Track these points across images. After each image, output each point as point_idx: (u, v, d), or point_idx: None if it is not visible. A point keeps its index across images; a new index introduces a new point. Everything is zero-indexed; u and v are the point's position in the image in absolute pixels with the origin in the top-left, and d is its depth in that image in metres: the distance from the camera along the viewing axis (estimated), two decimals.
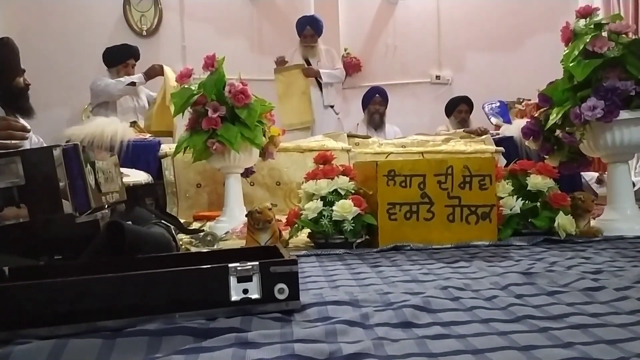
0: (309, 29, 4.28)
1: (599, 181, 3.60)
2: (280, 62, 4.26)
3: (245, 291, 0.93)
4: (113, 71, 3.74)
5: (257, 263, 0.94)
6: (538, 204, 1.90)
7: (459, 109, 4.57)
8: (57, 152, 1.23)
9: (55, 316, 0.87)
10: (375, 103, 4.55)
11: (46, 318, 0.87)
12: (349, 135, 3.54)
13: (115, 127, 3.15)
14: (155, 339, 0.81)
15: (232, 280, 0.93)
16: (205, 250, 1.59)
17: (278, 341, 0.79)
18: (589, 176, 3.67)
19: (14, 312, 0.86)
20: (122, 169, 2.00)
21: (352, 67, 5.37)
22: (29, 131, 1.61)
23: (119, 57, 3.74)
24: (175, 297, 0.91)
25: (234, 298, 0.93)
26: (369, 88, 4.70)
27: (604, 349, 0.74)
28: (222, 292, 0.93)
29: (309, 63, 4.35)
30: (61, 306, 0.87)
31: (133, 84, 3.64)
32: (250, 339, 0.79)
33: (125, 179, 2.06)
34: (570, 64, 1.88)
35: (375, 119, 4.53)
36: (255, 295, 0.93)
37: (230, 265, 0.93)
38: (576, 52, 1.88)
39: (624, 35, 1.87)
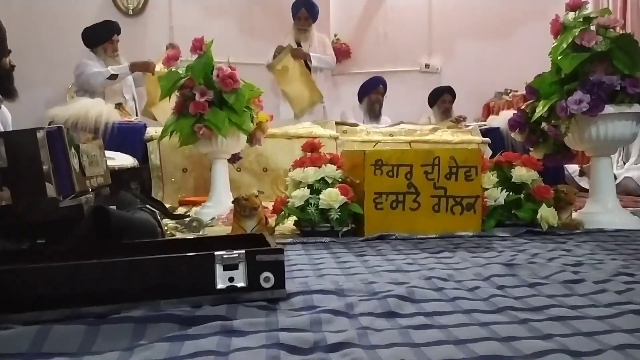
0: (304, 11, 4.16)
1: (581, 173, 3.66)
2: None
3: (231, 279, 0.94)
4: (99, 51, 3.60)
5: (243, 251, 0.94)
6: (522, 195, 1.93)
7: (442, 99, 4.57)
8: (40, 135, 1.21)
9: (39, 301, 0.86)
10: (378, 93, 4.52)
11: (30, 303, 0.86)
12: (337, 123, 3.53)
13: (100, 109, 3.10)
14: (139, 326, 0.81)
15: (218, 268, 0.93)
16: (190, 237, 1.58)
17: (263, 330, 0.80)
18: (572, 168, 3.72)
19: None
20: (107, 152, 1.98)
21: (341, 53, 5.33)
22: None
23: (103, 35, 3.60)
24: (161, 284, 0.91)
25: (219, 286, 0.93)
26: (372, 77, 4.65)
27: (582, 341, 0.76)
28: (208, 280, 0.93)
29: (299, 46, 4.24)
30: (45, 291, 0.87)
31: (114, 77, 3.48)
32: (236, 327, 0.80)
33: (110, 163, 2.03)
34: (559, 57, 1.89)
35: (375, 109, 4.50)
36: (241, 284, 0.94)
37: (216, 253, 0.93)
38: (564, 45, 1.89)
39: (612, 30, 1.88)
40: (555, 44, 1.95)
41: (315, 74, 4.28)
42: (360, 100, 4.58)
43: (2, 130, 2.02)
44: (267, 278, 0.95)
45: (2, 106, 2.11)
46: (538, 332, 0.80)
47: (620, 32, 1.90)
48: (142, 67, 3.54)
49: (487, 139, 3.51)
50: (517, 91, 4.58)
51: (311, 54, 4.23)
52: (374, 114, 4.49)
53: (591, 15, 1.91)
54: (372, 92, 4.53)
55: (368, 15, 5.47)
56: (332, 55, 4.45)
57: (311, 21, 4.23)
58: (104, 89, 3.56)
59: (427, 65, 5.41)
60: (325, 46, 4.41)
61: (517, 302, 0.97)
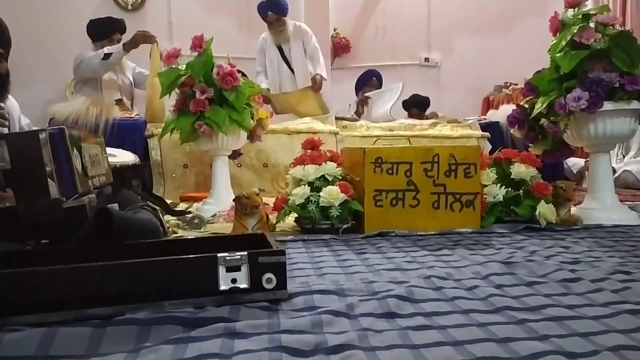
0: (272, 14, 3.92)
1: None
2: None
3: (234, 280, 0.95)
4: (98, 45, 3.56)
5: (245, 253, 0.96)
6: (521, 192, 1.94)
7: (411, 112, 4.61)
8: (43, 137, 1.23)
9: (44, 304, 0.88)
10: (371, 86, 4.53)
11: (35, 305, 0.88)
12: (337, 118, 3.54)
13: (100, 106, 3.11)
14: (144, 328, 0.83)
15: (221, 270, 0.95)
16: (192, 237, 1.59)
17: (265, 332, 0.81)
18: (572, 162, 3.73)
19: (2, 300, 0.87)
20: (109, 149, 1.99)
21: (341, 48, 5.33)
22: (7, 119, 1.56)
23: (103, 31, 3.54)
24: (165, 285, 0.93)
25: (222, 287, 0.94)
26: (365, 71, 4.65)
27: (578, 342, 0.78)
28: (211, 282, 0.94)
29: (281, 50, 4.09)
30: (50, 294, 0.88)
31: (107, 56, 3.31)
32: (239, 329, 0.81)
33: (111, 160, 2.05)
34: (558, 55, 1.90)
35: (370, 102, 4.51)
36: (243, 285, 0.95)
37: (219, 255, 0.95)
38: (563, 43, 1.89)
39: (610, 27, 1.89)
40: (554, 41, 1.95)
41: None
42: (357, 94, 4.60)
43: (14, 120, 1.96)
44: (269, 279, 0.97)
45: (10, 97, 2.05)
46: (535, 333, 0.82)
47: (619, 29, 1.90)
48: (134, 43, 3.31)
49: (487, 134, 3.52)
50: (517, 84, 4.58)
51: (320, 74, 3.99)
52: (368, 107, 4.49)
53: (590, 13, 1.91)
54: (365, 86, 4.54)
55: (367, 9, 5.46)
56: (313, 46, 4.11)
57: (283, 18, 3.98)
58: (104, 71, 3.44)
59: (426, 59, 5.41)
60: (304, 36, 4.12)
61: (514, 301, 0.98)
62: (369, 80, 4.55)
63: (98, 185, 1.47)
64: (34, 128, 1.95)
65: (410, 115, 4.56)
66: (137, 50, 3.43)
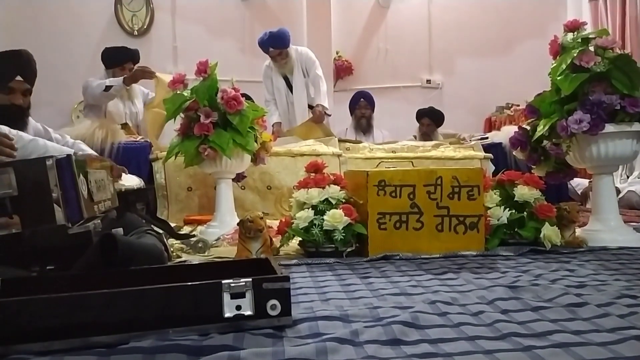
0: (273, 50, 3.89)
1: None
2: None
3: (238, 307, 0.95)
4: (109, 73, 3.62)
5: (250, 280, 0.96)
6: (525, 214, 1.94)
7: (421, 121, 4.60)
8: (50, 163, 1.24)
9: (49, 331, 0.88)
10: (360, 107, 4.53)
11: (40, 333, 0.88)
12: (340, 140, 3.56)
13: (105, 129, 3.14)
14: (149, 357, 0.83)
15: (226, 297, 0.95)
16: (196, 262, 1.59)
17: None
18: (576, 182, 3.73)
19: (8, 327, 0.87)
20: None
21: (343, 70, 5.39)
22: (15, 150, 1.58)
23: (116, 59, 3.60)
24: (169, 313, 0.93)
25: (227, 314, 0.94)
26: (355, 92, 4.68)
27: None
28: (215, 308, 0.94)
29: (287, 80, 4.07)
30: (55, 321, 0.88)
31: (108, 88, 3.40)
32: (243, 358, 0.81)
33: (117, 184, 2.06)
34: (558, 78, 1.91)
35: (362, 124, 4.52)
36: (248, 312, 0.95)
37: (223, 281, 0.95)
38: (564, 66, 1.91)
39: (610, 50, 1.91)
40: (554, 64, 1.97)
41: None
42: (351, 115, 4.63)
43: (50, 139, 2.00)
44: (273, 306, 0.97)
45: (31, 119, 2.10)
46: None
47: (619, 52, 1.92)
48: (134, 78, 3.40)
49: (490, 155, 3.53)
50: (518, 105, 4.61)
51: (321, 105, 3.93)
52: (361, 128, 4.50)
53: (589, 36, 1.94)
54: (355, 108, 4.55)
55: (369, 32, 5.53)
56: (314, 74, 4.07)
57: (285, 51, 3.93)
58: (106, 100, 3.50)
59: (428, 81, 5.46)
60: (307, 64, 4.07)
61: (520, 327, 0.98)
62: (358, 102, 4.55)
63: (103, 209, 1.48)
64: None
65: (421, 125, 4.54)
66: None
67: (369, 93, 4.64)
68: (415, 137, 4.55)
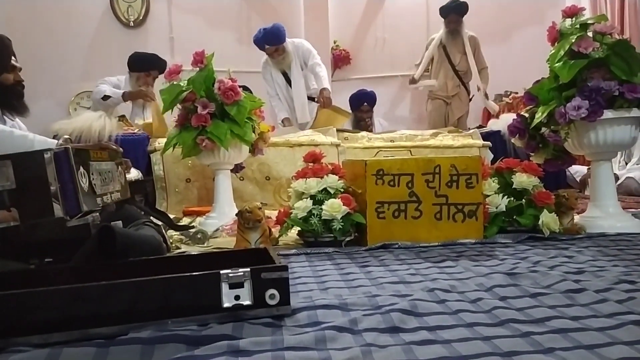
0: (269, 47, 3.84)
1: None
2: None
3: (237, 297, 0.95)
4: (133, 76, 3.63)
5: (248, 270, 0.96)
6: (523, 201, 1.94)
7: (449, 18, 4.48)
8: (48, 156, 1.23)
9: (48, 323, 0.88)
10: (362, 111, 4.49)
11: (39, 325, 0.88)
12: (339, 130, 3.55)
13: (102, 122, 3.12)
14: (148, 347, 0.83)
15: (224, 287, 0.95)
16: (195, 252, 1.59)
17: (269, 349, 0.81)
18: (574, 169, 3.73)
19: (7, 320, 0.87)
20: None
21: (341, 59, 5.36)
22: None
23: (142, 65, 3.61)
24: (168, 303, 0.93)
25: (226, 304, 0.94)
26: (357, 92, 4.58)
27: (583, 354, 0.78)
28: (214, 299, 0.95)
29: (286, 75, 4.02)
30: (54, 313, 0.89)
31: (106, 98, 3.49)
32: (242, 347, 0.81)
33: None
34: (556, 65, 1.91)
35: (362, 125, 4.46)
36: (246, 302, 0.95)
37: (222, 272, 0.95)
38: (562, 52, 1.90)
39: (608, 36, 1.90)
40: (552, 51, 1.96)
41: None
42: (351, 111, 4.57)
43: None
44: (272, 295, 0.97)
45: (17, 119, 2.15)
46: (540, 346, 0.81)
47: (618, 38, 1.91)
48: (133, 96, 3.48)
49: (488, 143, 3.52)
50: (517, 93, 4.59)
51: (326, 88, 3.91)
52: (361, 129, 4.44)
53: (588, 22, 1.92)
54: (357, 110, 4.49)
55: (367, 21, 5.50)
56: (317, 63, 4.00)
57: (281, 46, 3.88)
58: (101, 108, 3.53)
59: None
60: (304, 57, 4.01)
61: (519, 313, 0.98)
62: (360, 106, 4.49)
63: (109, 201, 1.48)
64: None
65: (449, 22, 4.45)
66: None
67: (371, 94, 4.55)
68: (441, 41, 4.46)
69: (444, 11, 4.51)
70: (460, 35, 4.50)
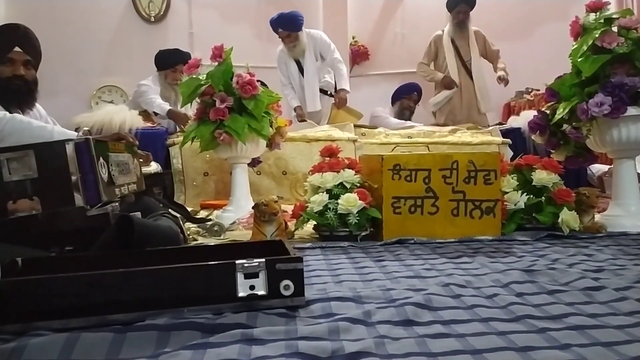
0: (282, 31, 3.82)
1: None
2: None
3: (252, 287, 0.96)
4: (161, 74, 3.66)
5: (263, 260, 0.97)
6: (542, 199, 1.91)
7: (457, 9, 4.40)
8: (69, 147, 1.26)
9: (67, 309, 0.90)
10: (410, 99, 4.52)
11: (58, 311, 0.90)
12: (356, 126, 3.54)
13: (123, 115, 3.18)
14: (164, 334, 0.84)
15: (239, 277, 0.96)
16: (212, 244, 1.61)
17: (283, 338, 0.82)
18: (595, 169, 3.65)
19: (27, 305, 0.90)
20: None
21: (359, 55, 5.33)
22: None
23: (168, 62, 3.63)
24: (184, 292, 0.94)
25: (240, 294, 0.95)
26: (408, 82, 4.62)
27: (600, 351, 0.76)
28: (229, 288, 0.95)
29: (299, 64, 4.02)
30: (73, 299, 0.91)
31: (155, 113, 3.50)
32: (256, 336, 0.82)
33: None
34: (579, 60, 1.87)
35: (405, 114, 4.48)
36: (261, 292, 0.96)
37: (237, 262, 0.96)
38: (585, 47, 1.87)
39: (634, 31, 1.85)
40: (575, 46, 1.93)
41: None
42: (392, 102, 4.57)
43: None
44: (286, 286, 0.97)
45: (37, 105, 2.07)
46: (556, 342, 0.80)
47: None
48: (176, 118, 3.40)
49: (508, 140, 3.48)
50: (538, 90, 4.51)
51: (344, 89, 3.93)
52: (403, 118, 4.45)
53: (612, 17, 1.88)
54: (404, 97, 4.50)
55: (385, 17, 5.45)
56: (336, 58, 4.01)
57: (295, 34, 3.84)
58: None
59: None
60: (321, 49, 4.01)
61: (535, 310, 0.97)
62: (411, 94, 4.53)
63: (126, 193, 1.50)
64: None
65: (457, 13, 4.40)
66: None
67: (420, 87, 4.61)
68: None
69: (452, 2, 4.48)
70: (468, 28, 4.46)
